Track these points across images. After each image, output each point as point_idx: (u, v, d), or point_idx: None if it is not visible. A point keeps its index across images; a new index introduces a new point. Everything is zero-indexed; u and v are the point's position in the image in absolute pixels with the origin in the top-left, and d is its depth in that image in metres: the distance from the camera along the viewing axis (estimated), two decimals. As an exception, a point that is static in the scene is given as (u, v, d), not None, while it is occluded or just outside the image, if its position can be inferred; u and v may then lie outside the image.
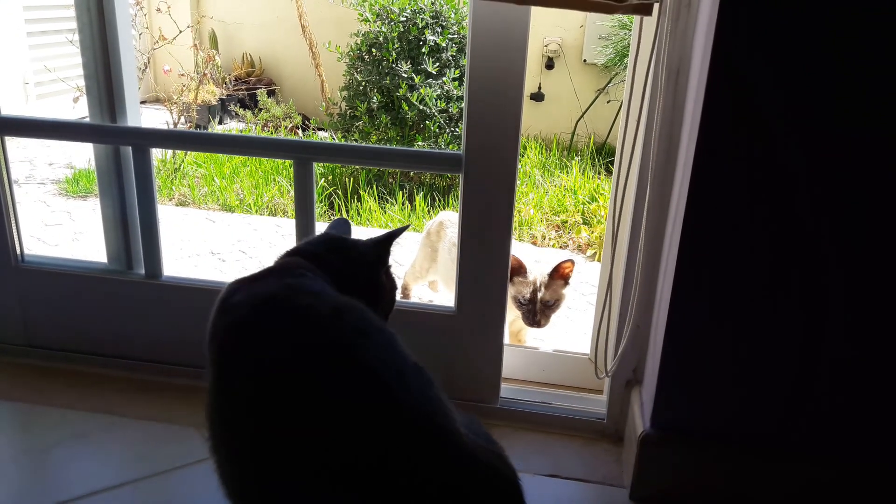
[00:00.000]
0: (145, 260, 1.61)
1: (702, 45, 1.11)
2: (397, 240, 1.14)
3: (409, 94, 3.78)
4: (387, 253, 1.13)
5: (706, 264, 1.14)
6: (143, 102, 5.25)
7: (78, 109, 4.18)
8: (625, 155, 1.37)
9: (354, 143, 3.92)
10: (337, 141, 4.10)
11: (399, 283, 2.45)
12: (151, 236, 1.59)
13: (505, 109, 1.36)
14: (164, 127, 4.27)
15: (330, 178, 3.86)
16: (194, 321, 1.60)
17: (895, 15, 0.98)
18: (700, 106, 1.07)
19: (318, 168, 3.77)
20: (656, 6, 1.20)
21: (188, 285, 1.60)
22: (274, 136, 4.59)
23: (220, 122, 5.02)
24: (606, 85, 4.78)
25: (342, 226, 1.21)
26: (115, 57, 1.51)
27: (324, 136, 4.50)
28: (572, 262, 1.95)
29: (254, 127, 4.75)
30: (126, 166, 1.58)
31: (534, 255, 2.03)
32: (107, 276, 1.62)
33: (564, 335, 2.28)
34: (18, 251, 1.63)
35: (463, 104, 1.33)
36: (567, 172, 4.13)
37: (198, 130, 4.41)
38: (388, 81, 3.86)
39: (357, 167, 3.91)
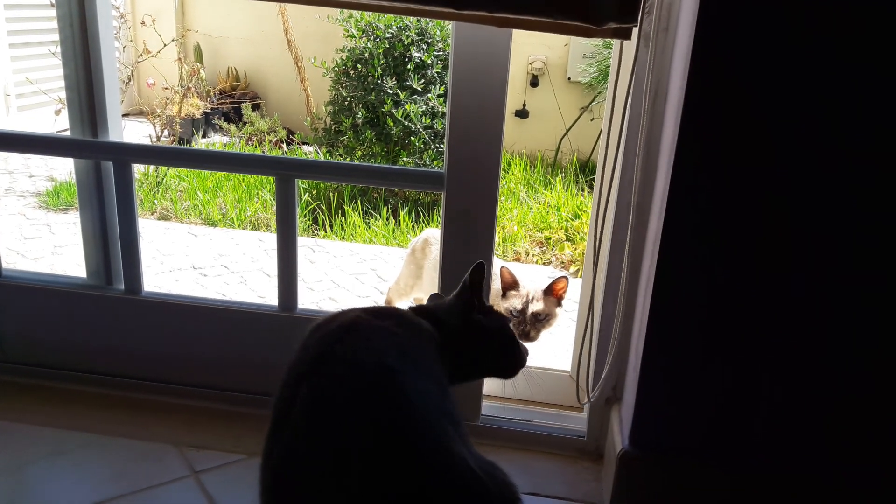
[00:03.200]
0: (125, 275, 1.60)
1: (679, 69, 1.12)
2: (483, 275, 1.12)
3: (394, 110, 3.79)
4: (469, 293, 1.11)
5: (684, 284, 1.15)
6: (126, 115, 5.23)
7: (60, 122, 4.15)
8: (605, 175, 1.39)
9: (336, 161, 3.92)
10: (322, 155, 4.10)
11: (382, 299, 2.45)
12: (131, 252, 1.58)
13: (487, 129, 1.37)
14: (147, 140, 4.26)
15: (314, 192, 3.85)
16: (174, 338, 1.61)
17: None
18: (677, 127, 1.09)
19: (302, 182, 3.76)
20: (635, 30, 1.21)
21: (168, 301, 1.59)
22: (258, 150, 4.57)
23: (204, 136, 5.00)
24: (590, 103, 4.82)
25: (437, 297, 1.24)
26: (97, 70, 1.51)
27: (308, 151, 4.49)
28: (566, 279, 1.95)
29: (238, 141, 4.73)
30: (107, 180, 1.57)
31: (523, 274, 2.03)
32: (86, 291, 1.61)
33: (546, 351, 2.28)
34: (-4, 266, 1.61)
35: (445, 122, 1.34)
36: (551, 189, 4.16)
37: (179, 146, 4.39)
38: (373, 97, 3.87)
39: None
